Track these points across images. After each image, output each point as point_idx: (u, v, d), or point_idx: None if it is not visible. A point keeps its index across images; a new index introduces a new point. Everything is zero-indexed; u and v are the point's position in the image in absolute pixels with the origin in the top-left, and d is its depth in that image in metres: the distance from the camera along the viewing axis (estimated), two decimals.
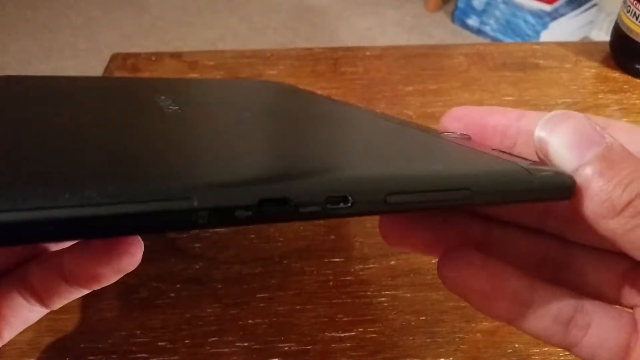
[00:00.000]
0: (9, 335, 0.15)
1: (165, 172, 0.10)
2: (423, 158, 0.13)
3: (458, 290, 0.14)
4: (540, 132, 0.12)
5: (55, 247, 0.16)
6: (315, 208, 0.09)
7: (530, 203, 0.12)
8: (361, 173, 0.10)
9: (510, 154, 0.13)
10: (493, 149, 0.14)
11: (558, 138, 0.12)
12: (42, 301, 0.15)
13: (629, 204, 0.11)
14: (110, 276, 0.14)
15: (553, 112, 0.12)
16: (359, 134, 0.16)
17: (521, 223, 0.15)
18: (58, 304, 0.15)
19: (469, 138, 0.14)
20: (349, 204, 0.09)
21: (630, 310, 0.14)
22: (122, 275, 0.14)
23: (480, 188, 0.10)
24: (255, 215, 0.09)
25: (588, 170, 0.11)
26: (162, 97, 0.17)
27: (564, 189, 0.11)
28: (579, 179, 0.11)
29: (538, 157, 0.12)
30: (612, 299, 0.14)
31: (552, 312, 0.14)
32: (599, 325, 0.14)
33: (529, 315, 0.14)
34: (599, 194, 0.11)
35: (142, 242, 0.14)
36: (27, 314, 0.15)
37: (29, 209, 0.07)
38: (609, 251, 0.14)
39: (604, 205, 0.11)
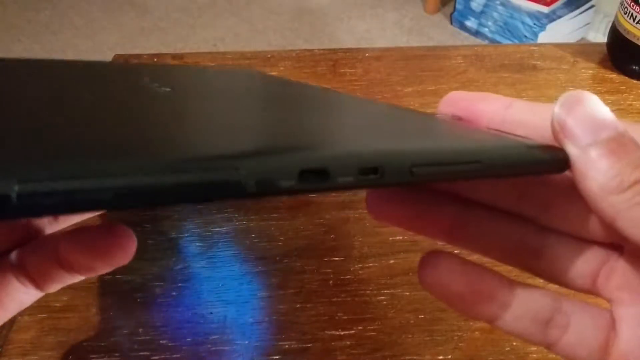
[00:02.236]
0: (3, 317, 0.15)
1: (214, 145, 0.10)
2: (436, 134, 0.14)
3: (437, 293, 0.14)
4: (558, 110, 0.13)
5: (50, 230, 0.16)
6: (350, 178, 0.10)
7: (531, 175, 0.13)
8: (389, 147, 0.11)
9: (502, 132, 0.14)
10: (488, 129, 0.15)
11: (575, 118, 0.12)
12: (38, 284, 0.15)
13: (636, 182, 0.12)
14: (104, 268, 0.14)
15: (571, 92, 0.13)
16: (369, 114, 0.17)
17: (499, 206, 0.15)
18: (53, 288, 0.16)
19: (460, 119, 0.15)
20: (379, 175, 0.10)
21: (609, 308, 0.14)
22: (116, 267, 0.14)
23: (490, 161, 0.11)
24: (296, 185, 0.09)
25: (601, 148, 0.12)
26: (156, 84, 0.17)
27: (560, 162, 0.13)
28: (592, 154, 0.12)
29: (553, 131, 0.13)
30: (587, 290, 0.15)
31: (530, 313, 0.14)
32: (578, 325, 0.14)
33: (508, 317, 0.14)
34: (610, 170, 0.12)
35: (135, 238, 0.14)
36: (22, 296, 0.15)
37: (102, 177, 0.08)
38: (585, 241, 0.14)
39: (614, 181, 0.12)
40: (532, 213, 0.15)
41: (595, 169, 0.12)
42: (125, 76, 0.19)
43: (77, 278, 0.15)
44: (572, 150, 0.12)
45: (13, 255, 0.15)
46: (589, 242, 0.14)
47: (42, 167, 0.08)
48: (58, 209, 0.08)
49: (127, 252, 0.14)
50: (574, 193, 0.13)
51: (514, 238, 0.15)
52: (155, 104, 0.14)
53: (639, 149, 0.12)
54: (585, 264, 0.14)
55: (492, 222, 0.15)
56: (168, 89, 0.16)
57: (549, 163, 0.12)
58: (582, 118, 0.12)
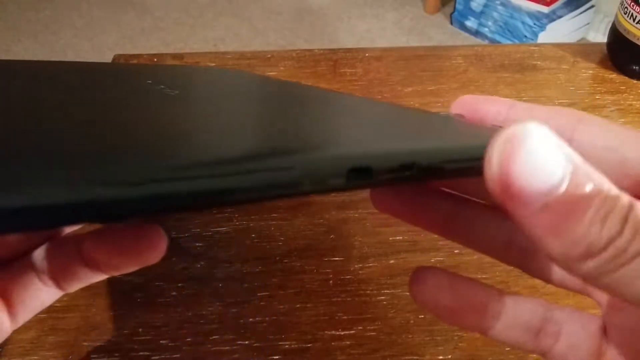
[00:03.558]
0: (23, 317, 0.15)
1: (270, 145, 0.11)
2: (454, 133, 0.14)
3: (428, 308, 0.15)
4: (495, 167, 0.09)
5: (69, 229, 0.16)
6: (391, 175, 0.10)
7: None
8: (421, 144, 0.12)
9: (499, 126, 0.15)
10: (492, 125, 0.15)
11: (516, 177, 0.09)
12: (59, 284, 0.15)
13: (609, 243, 0.09)
14: (133, 267, 0.14)
15: (507, 133, 0.09)
16: (380, 113, 0.17)
17: (489, 202, 0.15)
18: (75, 287, 0.15)
19: (462, 117, 0.16)
20: (415, 171, 0.10)
21: (599, 314, 0.14)
22: (145, 266, 0.14)
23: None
24: (345, 182, 0.10)
25: (556, 210, 0.09)
26: (162, 86, 0.17)
27: None
28: (545, 221, 0.09)
29: (491, 192, 0.10)
30: (578, 290, 0.15)
31: (521, 323, 0.14)
32: (569, 333, 0.14)
33: (499, 327, 0.14)
34: (571, 235, 0.09)
35: (166, 236, 0.14)
36: (43, 296, 0.15)
37: (151, 182, 0.08)
38: None
39: (579, 247, 0.09)
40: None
41: (553, 237, 0.09)
42: (131, 78, 0.19)
43: (101, 277, 0.15)
44: (518, 213, 0.10)
45: (34, 254, 0.15)
46: None
47: (126, 171, 0.08)
48: (144, 212, 0.08)
49: (158, 251, 0.14)
50: None
51: (503, 236, 0.15)
52: (174, 108, 0.14)
53: (601, 186, 0.09)
54: None
55: (482, 219, 0.15)
56: (176, 91, 0.17)
57: None
58: (526, 174, 0.09)
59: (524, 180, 0.09)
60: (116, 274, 0.15)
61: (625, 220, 0.09)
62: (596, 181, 0.09)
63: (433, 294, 0.14)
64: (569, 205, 0.09)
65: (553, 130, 0.13)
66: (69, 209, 0.07)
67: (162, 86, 0.17)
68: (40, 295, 0.15)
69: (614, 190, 0.09)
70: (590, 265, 0.09)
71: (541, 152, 0.09)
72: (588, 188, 0.09)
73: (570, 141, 0.13)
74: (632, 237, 0.09)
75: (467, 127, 0.15)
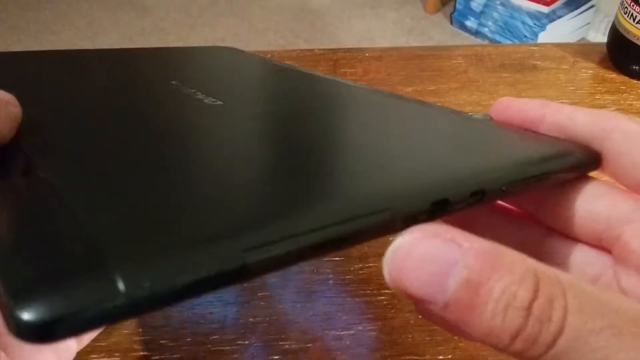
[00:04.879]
0: (87, 337, 0.16)
1: (362, 187, 0.11)
2: (511, 147, 0.14)
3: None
4: (389, 279, 0.10)
5: None
6: (463, 204, 0.11)
7: (568, 176, 0.14)
8: (488, 170, 0.12)
9: (537, 132, 0.15)
10: (525, 129, 0.15)
11: (411, 284, 0.09)
12: None
13: (515, 336, 0.09)
14: None
15: (393, 246, 0.10)
16: (430, 122, 0.17)
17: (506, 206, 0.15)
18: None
19: (491, 119, 0.16)
20: (481, 196, 0.11)
21: None
22: None
23: (554, 169, 0.13)
24: (427, 217, 0.10)
25: (456, 306, 0.09)
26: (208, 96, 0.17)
27: (596, 160, 0.13)
28: (452, 316, 0.09)
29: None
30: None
31: None
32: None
33: None
34: (477, 329, 0.09)
35: None
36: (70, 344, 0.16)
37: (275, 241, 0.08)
38: (587, 245, 0.14)
39: (489, 338, 0.09)
40: (530, 208, 0.15)
41: (464, 327, 0.09)
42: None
43: None
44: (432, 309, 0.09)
45: None
46: (591, 246, 0.14)
47: (268, 230, 0.08)
48: (282, 267, 0.08)
49: None
50: (561, 192, 0.13)
51: (515, 240, 0.15)
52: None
53: (500, 270, 0.09)
54: (586, 270, 0.14)
55: (493, 221, 0.15)
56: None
57: (584, 164, 0.13)
58: (416, 283, 0.09)
59: (417, 289, 0.09)
60: None
61: (528, 310, 0.09)
62: (497, 270, 0.09)
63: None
64: (466, 302, 0.09)
65: (588, 136, 0.14)
66: (222, 277, 0.08)
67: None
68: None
69: (516, 275, 0.09)
70: (511, 350, 0.09)
71: (426, 261, 0.09)
72: (484, 281, 0.09)
73: (601, 149, 0.14)
74: (538, 329, 0.09)
75: (507, 134, 0.15)
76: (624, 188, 0.13)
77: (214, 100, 0.17)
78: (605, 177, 0.14)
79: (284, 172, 0.12)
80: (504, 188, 0.11)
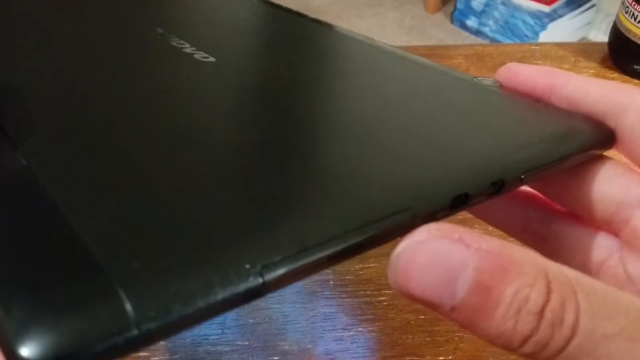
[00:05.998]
0: None
1: (380, 187, 0.10)
2: (527, 127, 0.13)
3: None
4: (393, 280, 0.09)
5: None
6: (482, 197, 0.10)
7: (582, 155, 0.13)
8: (506, 156, 0.11)
9: (548, 105, 0.14)
10: (535, 100, 0.14)
11: (418, 286, 0.09)
12: None
13: (526, 339, 0.09)
14: None
15: (398, 249, 0.09)
16: (442, 101, 0.15)
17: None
18: None
19: (500, 85, 0.15)
20: (500, 187, 0.11)
21: None
22: None
23: (567, 153, 0.12)
24: (447, 213, 0.10)
25: (465, 310, 0.09)
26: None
27: (610, 139, 0.13)
28: (460, 318, 0.09)
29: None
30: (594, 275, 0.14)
31: None
32: None
33: None
34: (486, 331, 0.09)
35: None
36: None
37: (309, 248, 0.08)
38: (593, 229, 0.14)
39: (499, 340, 0.09)
40: (537, 185, 0.15)
41: (473, 329, 0.09)
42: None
43: None
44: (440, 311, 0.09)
45: None
46: (597, 229, 0.14)
47: (285, 244, 0.08)
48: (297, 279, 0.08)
49: None
50: (572, 171, 0.13)
51: (519, 221, 0.15)
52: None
53: (509, 275, 0.09)
54: (591, 253, 0.14)
55: (497, 201, 0.15)
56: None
57: (599, 143, 0.13)
58: (424, 287, 0.09)
59: (425, 294, 0.09)
60: None
61: (540, 314, 0.08)
62: (508, 272, 0.09)
63: None
64: (476, 305, 0.09)
65: (601, 111, 0.13)
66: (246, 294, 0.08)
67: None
68: None
69: (528, 278, 0.09)
70: (521, 352, 0.09)
71: (433, 265, 0.09)
72: (495, 285, 0.08)
73: (615, 125, 0.13)
74: (550, 333, 0.08)
75: (519, 108, 0.14)
76: (638, 169, 0.13)
77: (205, 56, 0.15)
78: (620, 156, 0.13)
79: (294, 174, 0.11)
80: (522, 176, 0.11)
